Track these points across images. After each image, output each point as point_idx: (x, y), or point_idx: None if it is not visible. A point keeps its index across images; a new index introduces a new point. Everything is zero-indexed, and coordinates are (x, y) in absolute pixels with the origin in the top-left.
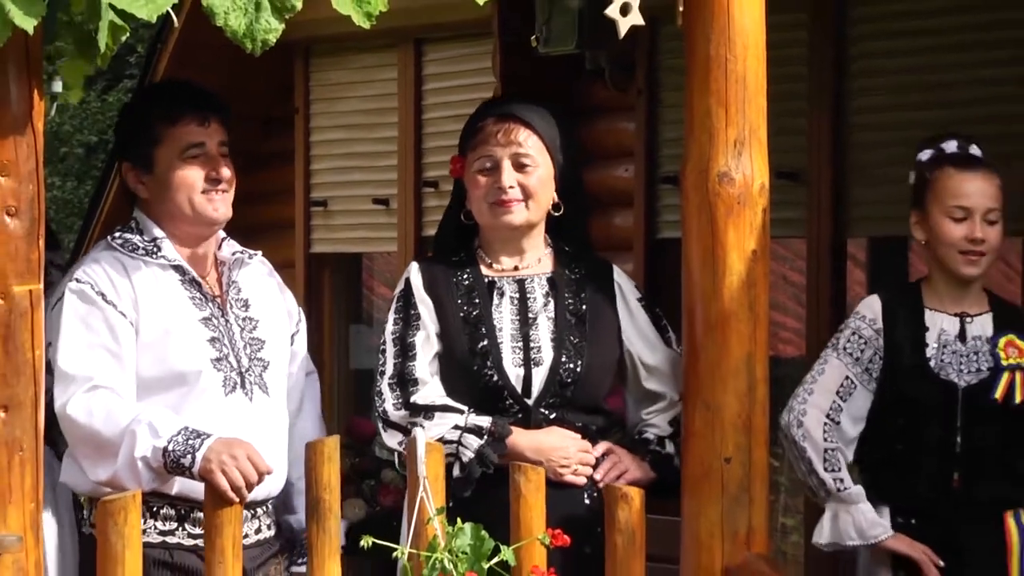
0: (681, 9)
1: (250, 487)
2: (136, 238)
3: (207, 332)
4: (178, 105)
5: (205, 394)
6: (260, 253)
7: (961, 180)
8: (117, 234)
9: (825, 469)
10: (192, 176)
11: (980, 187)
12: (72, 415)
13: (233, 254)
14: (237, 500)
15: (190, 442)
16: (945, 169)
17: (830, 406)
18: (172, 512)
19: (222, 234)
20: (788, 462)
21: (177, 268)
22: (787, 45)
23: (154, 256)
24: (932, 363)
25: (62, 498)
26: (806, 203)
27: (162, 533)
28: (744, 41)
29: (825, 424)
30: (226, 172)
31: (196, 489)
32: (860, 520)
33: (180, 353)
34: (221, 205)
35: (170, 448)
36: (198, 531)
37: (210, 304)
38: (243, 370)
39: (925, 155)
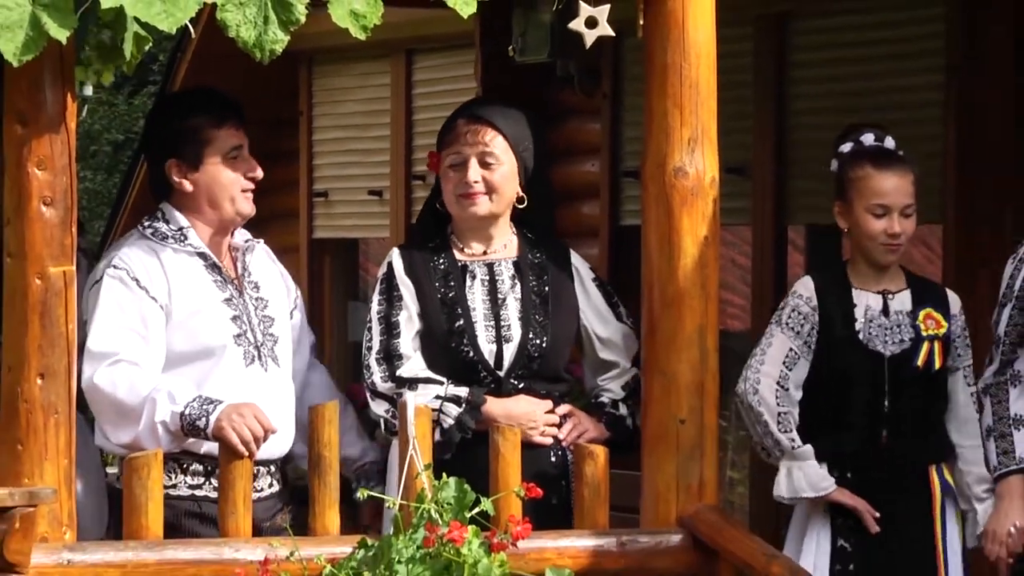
0: (641, 23)
1: (258, 443)
2: (164, 227)
3: (229, 311)
4: (223, 111)
5: (228, 365)
6: (262, 241)
7: (880, 180)
8: (147, 223)
9: (780, 430)
10: (235, 175)
11: (897, 185)
12: (98, 384)
13: (245, 241)
14: (247, 454)
15: (204, 407)
16: (865, 168)
17: (779, 374)
18: (200, 468)
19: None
20: (735, 422)
21: (201, 255)
22: (735, 55)
23: (181, 244)
24: (861, 335)
25: (92, 457)
26: (751, 194)
27: (191, 487)
28: (697, 51)
29: (776, 390)
30: (260, 172)
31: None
32: (811, 475)
33: (208, 330)
34: (251, 204)
35: (186, 413)
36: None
37: (229, 286)
38: (259, 344)
39: (846, 147)
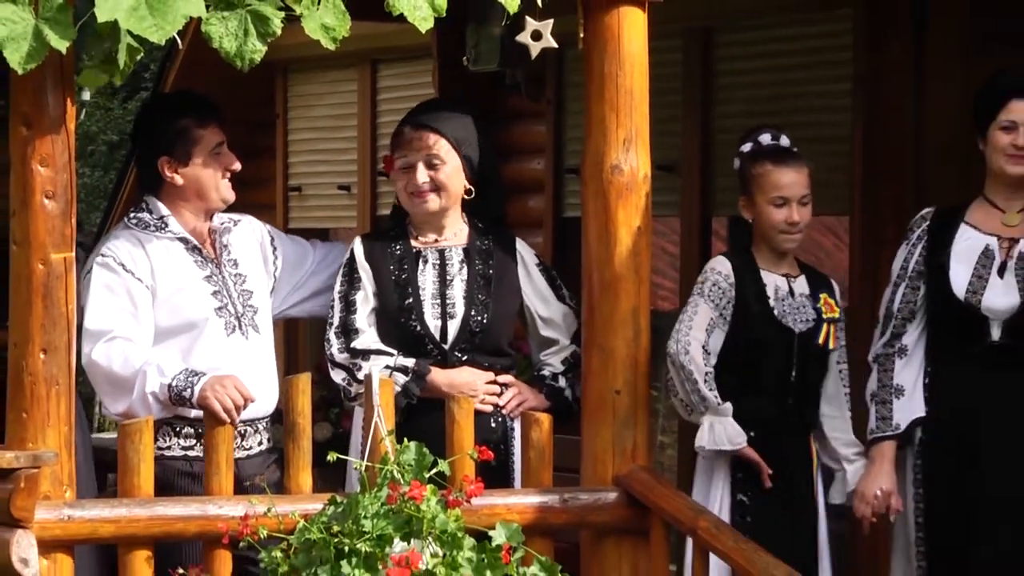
0: (581, 36)
1: (238, 410)
2: (147, 216)
3: (209, 287)
4: (206, 112)
5: (211, 336)
6: (247, 217)
7: (779, 174)
8: (132, 215)
9: (707, 386)
10: (218, 168)
11: (794, 178)
12: (96, 360)
13: (221, 223)
14: (229, 420)
15: (189, 379)
16: (765, 165)
17: (703, 340)
18: (192, 431)
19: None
20: (665, 392)
21: (182, 239)
22: (665, 64)
23: (162, 231)
24: (775, 311)
25: (82, 429)
26: (679, 189)
27: (184, 448)
28: (631, 61)
29: (703, 353)
30: (238, 164)
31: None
32: (730, 430)
33: (191, 305)
34: (231, 192)
35: (173, 384)
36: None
37: (209, 264)
38: (239, 315)
39: (746, 147)
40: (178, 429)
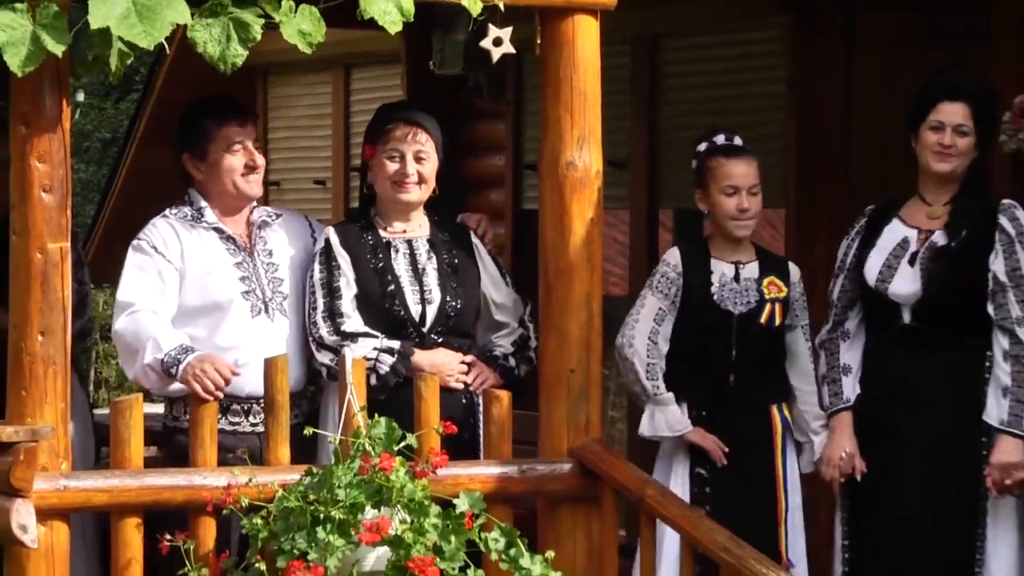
0: (539, 42)
1: (219, 389)
2: (187, 209)
3: (238, 272)
4: (225, 112)
5: (237, 316)
6: (294, 212)
7: (730, 166)
8: (174, 208)
9: (647, 378)
10: (235, 164)
11: (744, 170)
12: (118, 330)
13: (260, 217)
14: (210, 398)
15: (178, 356)
16: (719, 159)
17: (650, 331)
18: (239, 408)
19: (254, 203)
20: (615, 371)
21: (216, 228)
22: (616, 68)
23: (198, 221)
24: (716, 297)
25: (80, 405)
26: (629, 183)
27: (232, 424)
28: (584, 66)
29: (648, 345)
30: (260, 160)
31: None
32: (670, 418)
33: (217, 287)
34: (256, 186)
35: (165, 359)
36: (232, 419)
37: (242, 252)
38: (267, 300)
39: (702, 147)
40: (226, 406)
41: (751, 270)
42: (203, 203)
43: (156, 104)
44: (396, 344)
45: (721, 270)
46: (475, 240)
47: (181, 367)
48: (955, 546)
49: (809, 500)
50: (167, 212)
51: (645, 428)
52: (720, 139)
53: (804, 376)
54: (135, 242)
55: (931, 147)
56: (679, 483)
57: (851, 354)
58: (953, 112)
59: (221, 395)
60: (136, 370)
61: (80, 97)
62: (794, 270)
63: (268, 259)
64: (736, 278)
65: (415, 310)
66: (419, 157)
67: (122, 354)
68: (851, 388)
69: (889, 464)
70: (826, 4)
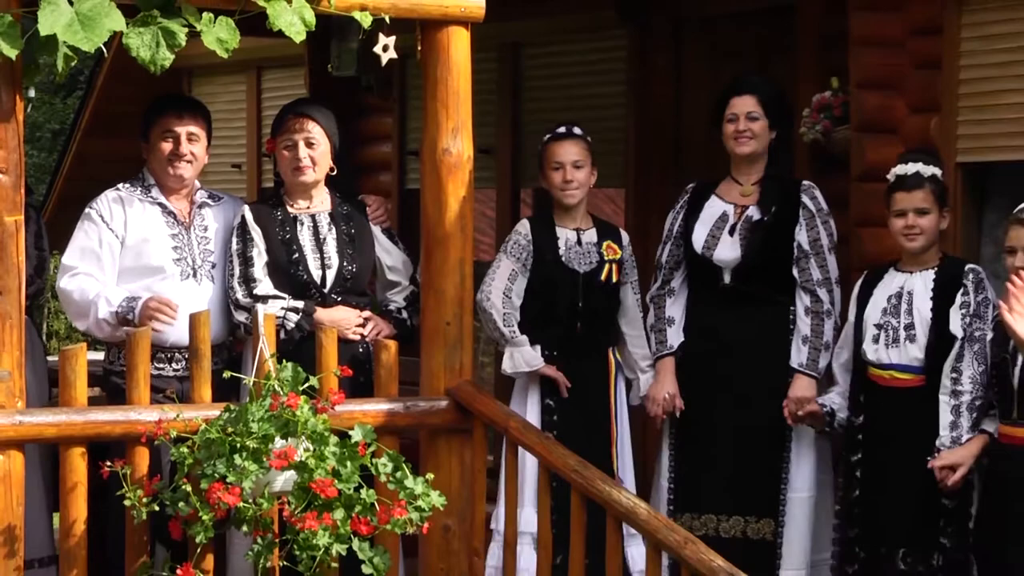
0: (420, 49)
1: (172, 317)
2: (137, 185)
3: (172, 242)
4: (167, 106)
5: (169, 279)
6: (235, 197)
7: (557, 147)
8: (125, 185)
9: (504, 325)
10: (164, 149)
11: (567, 148)
12: (63, 288)
13: (202, 199)
14: (172, 323)
15: (129, 304)
16: (550, 143)
17: (504, 287)
18: (182, 357)
19: (198, 184)
20: (484, 323)
21: (160, 204)
22: (484, 71)
23: (146, 196)
24: (563, 258)
25: (38, 353)
26: (495, 167)
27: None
28: (457, 68)
29: (503, 298)
30: (185, 149)
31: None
32: (526, 356)
33: (152, 252)
34: (183, 172)
35: (119, 311)
36: (158, 365)
37: (179, 225)
38: (196, 267)
39: (545, 137)
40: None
41: (590, 235)
42: (151, 181)
43: (97, 100)
44: (300, 304)
45: (565, 236)
46: (369, 212)
47: (137, 312)
48: (764, 468)
49: (639, 427)
50: (119, 186)
51: (507, 366)
52: (560, 130)
53: (632, 323)
54: (87, 210)
55: (730, 135)
56: (533, 413)
57: (675, 308)
58: (742, 103)
59: (175, 319)
60: (90, 324)
61: (32, 93)
62: (624, 236)
63: (203, 233)
64: (579, 242)
65: (316, 274)
66: (309, 143)
67: (70, 310)
68: (675, 337)
69: (711, 401)
70: (658, 21)
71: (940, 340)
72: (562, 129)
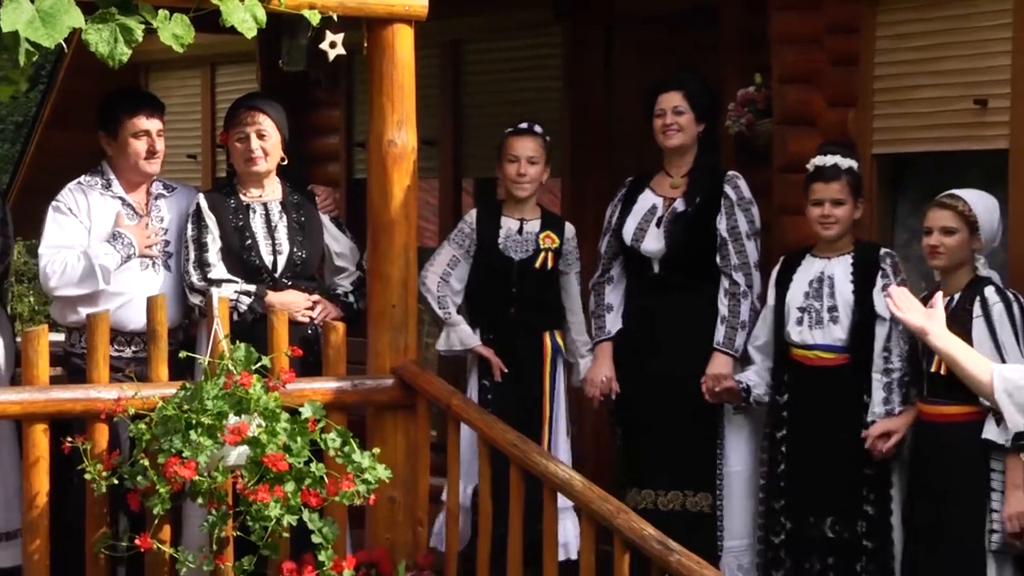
0: (366, 45)
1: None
2: (98, 178)
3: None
4: (136, 104)
5: (128, 269)
6: (188, 186)
7: (516, 141)
8: (85, 177)
9: (438, 307)
10: (140, 148)
11: (524, 143)
12: (52, 271)
13: (158, 190)
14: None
15: (124, 250)
16: (508, 138)
17: (443, 272)
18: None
19: (153, 177)
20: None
21: (119, 197)
22: (428, 67)
23: (106, 189)
24: (501, 246)
25: (7, 333)
26: (438, 157)
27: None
28: (402, 64)
29: (439, 282)
30: (159, 147)
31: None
32: (462, 335)
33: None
34: (154, 165)
35: (118, 248)
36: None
37: (138, 216)
38: (153, 257)
39: (507, 131)
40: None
41: (533, 226)
42: (112, 176)
43: (58, 94)
44: (252, 287)
45: (508, 225)
46: (318, 201)
47: (134, 244)
48: (699, 445)
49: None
50: (80, 179)
51: (441, 344)
52: (521, 126)
53: (574, 312)
54: (54, 203)
55: (659, 129)
56: (472, 391)
57: (614, 295)
58: (668, 99)
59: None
60: (88, 280)
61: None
62: (569, 228)
63: (160, 224)
64: (520, 231)
65: (268, 260)
66: (261, 135)
67: (61, 282)
68: (613, 323)
69: (648, 384)
70: (591, 21)
71: (862, 321)
72: (524, 125)
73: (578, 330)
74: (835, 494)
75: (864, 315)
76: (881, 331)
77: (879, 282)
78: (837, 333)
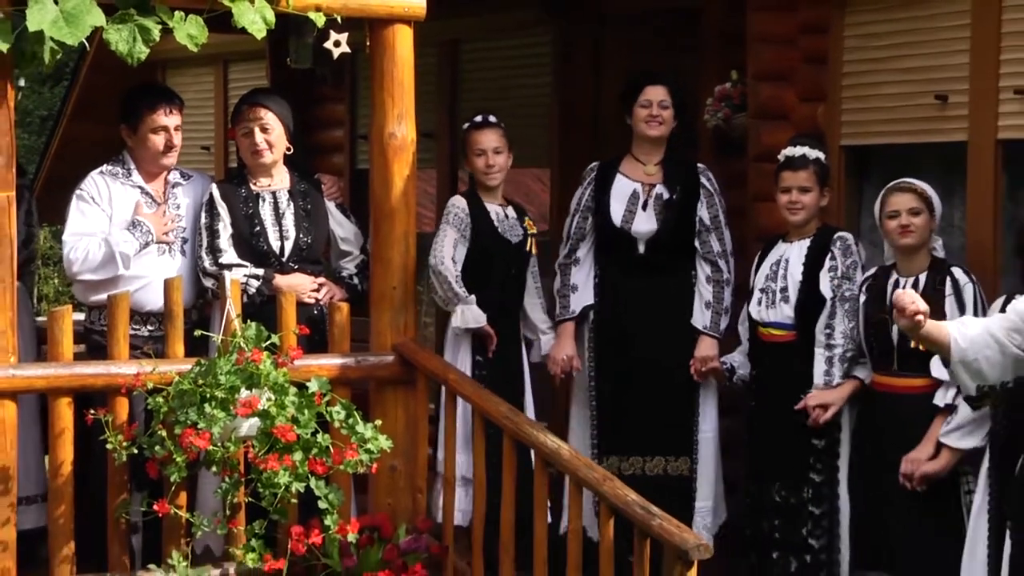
0: (368, 43)
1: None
2: (119, 167)
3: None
4: (156, 100)
5: (147, 254)
6: (203, 175)
7: (479, 135)
8: (109, 165)
9: (458, 285)
10: (158, 143)
11: (488, 136)
12: (75, 257)
13: (175, 179)
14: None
15: (144, 236)
16: (470, 132)
17: (451, 253)
18: (138, 318)
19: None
20: (428, 288)
21: (139, 186)
22: (427, 64)
23: (127, 178)
24: (499, 230)
25: (28, 314)
26: (435, 149)
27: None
28: (402, 62)
29: (452, 261)
30: (176, 141)
31: (136, 304)
32: (475, 314)
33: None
34: (171, 159)
35: (136, 235)
36: (135, 327)
37: (156, 205)
38: (170, 242)
39: (465, 126)
40: (144, 319)
41: (511, 211)
42: (132, 165)
43: (81, 89)
44: (261, 271)
45: (494, 210)
46: (323, 189)
47: (152, 232)
48: (677, 413)
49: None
50: (103, 168)
51: (458, 321)
52: (477, 119)
53: (533, 290)
54: (78, 191)
55: (643, 119)
56: (465, 366)
57: (579, 276)
58: (656, 92)
59: (179, 220)
60: (108, 266)
61: (22, 82)
62: (528, 212)
63: (176, 211)
64: (506, 217)
65: (276, 245)
66: (264, 128)
67: (85, 268)
68: (577, 302)
69: (628, 359)
70: (580, 21)
71: (808, 300)
72: (479, 118)
73: (539, 307)
74: (784, 462)
75: (808, 295)
76: (825, 309)
77: (826, 263)
78: (786, 311)
